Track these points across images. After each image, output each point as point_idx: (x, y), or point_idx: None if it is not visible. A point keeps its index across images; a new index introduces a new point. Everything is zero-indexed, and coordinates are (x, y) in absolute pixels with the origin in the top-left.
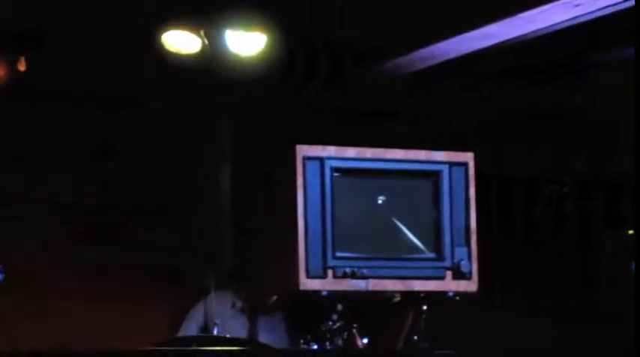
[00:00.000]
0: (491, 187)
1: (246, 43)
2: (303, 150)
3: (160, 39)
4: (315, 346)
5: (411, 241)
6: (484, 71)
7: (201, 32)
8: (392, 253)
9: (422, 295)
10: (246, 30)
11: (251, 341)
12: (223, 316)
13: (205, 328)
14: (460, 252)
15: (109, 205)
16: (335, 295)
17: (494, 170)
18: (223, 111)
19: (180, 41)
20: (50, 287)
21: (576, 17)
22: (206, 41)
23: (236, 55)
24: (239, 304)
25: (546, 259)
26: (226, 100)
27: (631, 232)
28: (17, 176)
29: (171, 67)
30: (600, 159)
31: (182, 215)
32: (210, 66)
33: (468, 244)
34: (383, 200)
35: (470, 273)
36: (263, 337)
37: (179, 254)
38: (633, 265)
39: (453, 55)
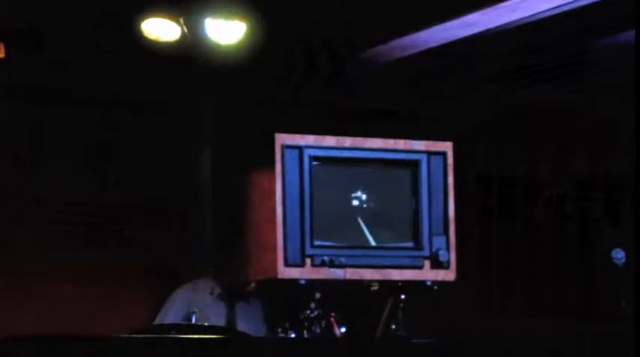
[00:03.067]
0: (492, 187)
1: (226, 31)
2: (282, 138)
3: (139, 27)
4: (293, 335)
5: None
6: (484, 71)
7: (181, 20)
8: (369, 242)
9: (400, 283)
10: (226, 18)
11: (229, 330)
12: (202, 303)
13: (184, 315)
14: (438, 241)
15: (108, 205)
16: (313, 284)
17: (494, 170)
18: (208, 104)
19: (160, 29)
20: (50, 287)
21: (559, 6)
22: (185, 29)
23: (216, 44)
24: (217, 290)
25: (546, 259)
26: (210, 93)
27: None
28: (17, 176)
29: (150, 56)
30: (600, 159)
31: (182, 215)
32: (190, 54)
33: (446, 233)
34: (361, 189)
35: (448, 262)
36: (241, 325)
37: (179, 254)
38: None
39: (433, 43)
